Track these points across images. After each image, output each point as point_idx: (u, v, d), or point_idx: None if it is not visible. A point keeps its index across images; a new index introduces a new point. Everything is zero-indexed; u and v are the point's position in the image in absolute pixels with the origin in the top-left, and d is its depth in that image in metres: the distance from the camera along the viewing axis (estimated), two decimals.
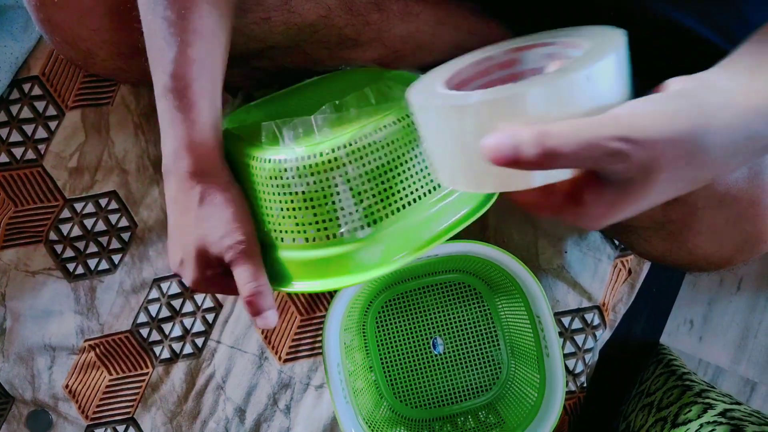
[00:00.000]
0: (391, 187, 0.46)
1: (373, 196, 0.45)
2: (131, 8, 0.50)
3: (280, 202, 0.47)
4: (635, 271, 0.77)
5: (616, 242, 0.75)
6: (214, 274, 0.48)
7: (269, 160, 0.46)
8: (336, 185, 0.45)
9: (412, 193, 0.46)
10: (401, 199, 0.46)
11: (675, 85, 0.32)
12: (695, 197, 0.56)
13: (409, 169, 0.46)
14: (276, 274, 0.49)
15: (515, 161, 0.29)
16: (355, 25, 0.57)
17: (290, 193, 0.46)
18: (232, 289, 0.47)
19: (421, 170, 0.47)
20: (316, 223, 0.46)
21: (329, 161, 0.44)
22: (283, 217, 0.47)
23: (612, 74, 0.32)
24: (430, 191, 0.47)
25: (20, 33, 0.69)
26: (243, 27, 0.53)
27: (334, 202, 0.45)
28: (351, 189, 0.45)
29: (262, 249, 0.48)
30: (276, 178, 0.46)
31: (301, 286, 0.48)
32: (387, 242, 0.46)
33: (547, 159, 0.29)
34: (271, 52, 0.56)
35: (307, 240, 0.46)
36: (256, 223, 0.49)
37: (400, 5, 0.58)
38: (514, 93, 0.31)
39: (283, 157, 0.46)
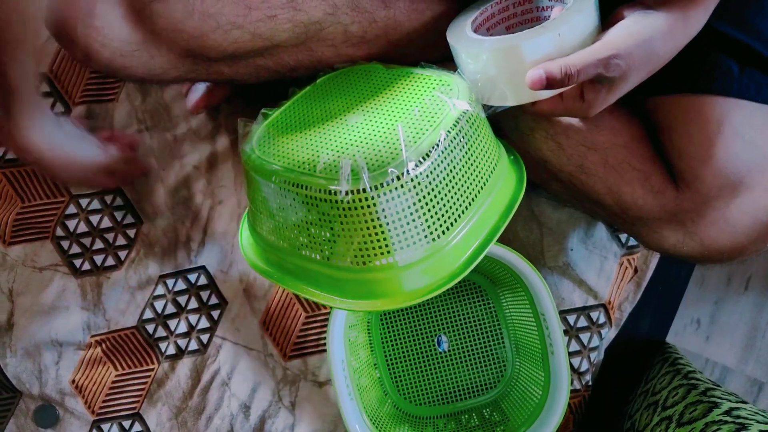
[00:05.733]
0: (435, 214, 0.47)
1: (417, 225, 0.47)
2: (139, 7, 0.50)
3: (323, 228, 0.48)
4: (641, 269, 0.77)
5: (623, 240, 0.74)
6: None
7: (322, 191, 0.47)
8: (378, 218, 0.46)
9: (454, 212, 0.49)
10: (445, 222, 0.48)
11: (629, 13, 0.49)
12: (708, 186, 0.56)
13: (449, 191, 0.48)
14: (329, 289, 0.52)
15: (549, 86, 0.47)
16: (362, 22, 0.56)
17: (333, 222, 0.47)
18: None
19: (466, 189, 0.49)
20: (361, 249, 0.47)
21: (367, 198, 0.46)
22: (321, 239, 0.49)
23: (589, 17, 0.49)
24: (471, 203, 0.50)
25: None
26: (248, 25, 0.53)
27: (376, 233, 0.47)
28: (393, 221, 0.47)
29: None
30: (324, 209, 0.47)
31: (340, 303, 0.50)
32: (435, 263, 0.48)
33: (568, 80, 0.46)
34: (276, 50, 0.56)
35: (358, 264, 0.48)
36: (300, 241, 0.51)
37: (406, 2, 0.58)
38: (516, 41, 0.48)
39: (328, 188, 0.47)
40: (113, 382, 0.74)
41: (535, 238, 0.74)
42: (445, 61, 0.55)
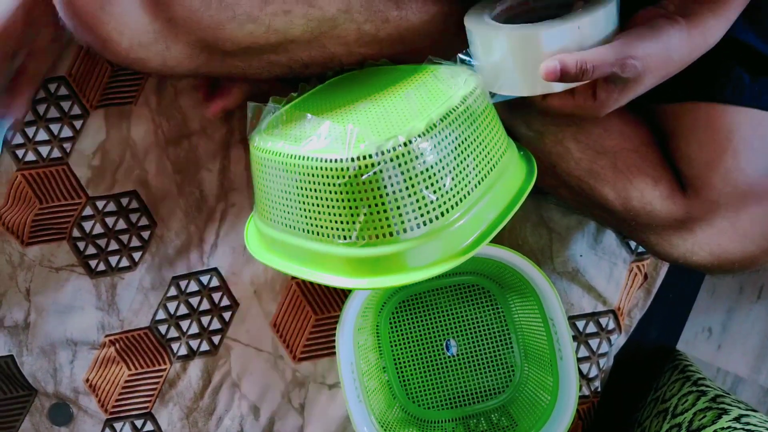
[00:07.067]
0: (442, 187, 0.47)
1: (424, 196, 0.47)
2: None
3: (329, 203, 0.47)
4: (651, 276, 0.77)
5: (632, 246, 0.74)
6: None
7: (323, 160, 0.47)
8: (384, 187, 0.46)
9: (461, 190, 0.48)
10: (452, 198, 0.47)
11: (650, 17, 0.49)
12: (717, 194, 0.56)
13: (456, 167, 0.48)
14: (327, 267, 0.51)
15: (563, 78, 0.46)
16: (374, 21, 0.57)
17: (338, 194, 0.47)
18: None
19: (474, 168, 0.49)
20: (367, 222, 0.47)
21: (374, 164, 0.45)
22: (326, 215, 0.48)
23: (610, 15, 0.49)
24: (478, 184, 0.49)
25: None
26: (263, 18, 0.53)
27: (383, 203, 0.46)
28: (400, 190, 0.46)
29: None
30: (330, 180, 0.47)
31: (346, 282, 0.49)
32: (443, 239, 0.48)
33: (583, 75, 0.45)
34: (290, 45, 0.57)
35: (364, 238, 0.47)
36: (297, 216, 0.50)
37: (418, 3, 0.59)
38: (536, 30, 0.48)
39: (333, 156, 0.46)
40: (126, 381, 0.75)
41: (545, 244, 0.74)
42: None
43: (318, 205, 0.48)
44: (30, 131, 0.73)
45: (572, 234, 0.74)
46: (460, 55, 0.54)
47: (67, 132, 0.73)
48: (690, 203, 0.58)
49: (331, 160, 0.46)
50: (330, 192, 0.47)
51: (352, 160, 0.45)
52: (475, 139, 0.49)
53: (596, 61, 0.45)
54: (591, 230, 0.74)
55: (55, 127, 0.73)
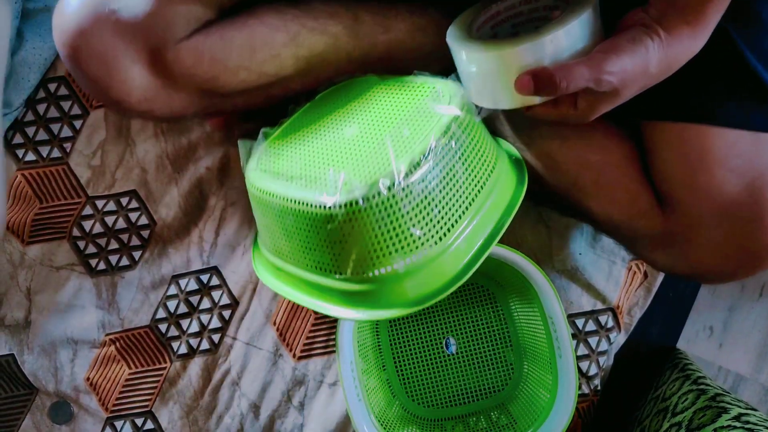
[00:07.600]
0: (431, 220, 0.48)
1: (412, 233, 0.47)
2: (155, 58, 0.53)
3: (323, 242, 0.49)
4: (651, 274, 0.76)
5: None
6: None
7: (308, 204, 0.48)
8: (373, 229, 0.47)
9: (452, 216, 0.49)
10: (443, 226, 0.48)
11: (632, 25, 0.48)
12: (697, 210, 0.56)
13: (444, 197, 0.48)
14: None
15: (537, 92, 0.46)
16: (363, 47, 0.59)
17: (331, 235, 0.48)
18: None
19: (463, 192, 0.50)
20: (360, 260, 0.48)
21: (360, 210, 0.46)
22: (320, 253, 0.49)
23: (585, 26, 0.48)
24: (469, 205, 0.50)
25: (48, 35, 0.71)
26: (253, 65, 0.55)
27: (373, 243, 0.47)
28: (388, 231, 0.47)
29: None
30: (322, 223, 0.48)
31: (347, 313, 0.50)
32: (428, 274, 0.49)
33: (556, 90, 0.45)
34: (283, 81, 0.59)
35: (359, 273, 0.49)
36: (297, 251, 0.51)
37: (406, 24, 0.59)
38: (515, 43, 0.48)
39: (319, 202, 0.47)
40: (126, 380, 0.76)
41: (544, 242, 0.74)
42: (447, 72, 0.56)
43: (312, 244, 0.50)
44: (30, 131, 0.74)
45: (571, 232, 0.74)
46: (453, 75, 0.55)
47: (66, 132, 0.74)
48: (667, 220, 0.58)
49: (320, 206, 0.47)
50: (322, 234, 0.48)
51: (340, 207, 0.46)
52: (462, 164, 0.50)
53: (569, 76, 0.45)
54: (590, 229, 0.74)
55: (55, 127, 0.74)
